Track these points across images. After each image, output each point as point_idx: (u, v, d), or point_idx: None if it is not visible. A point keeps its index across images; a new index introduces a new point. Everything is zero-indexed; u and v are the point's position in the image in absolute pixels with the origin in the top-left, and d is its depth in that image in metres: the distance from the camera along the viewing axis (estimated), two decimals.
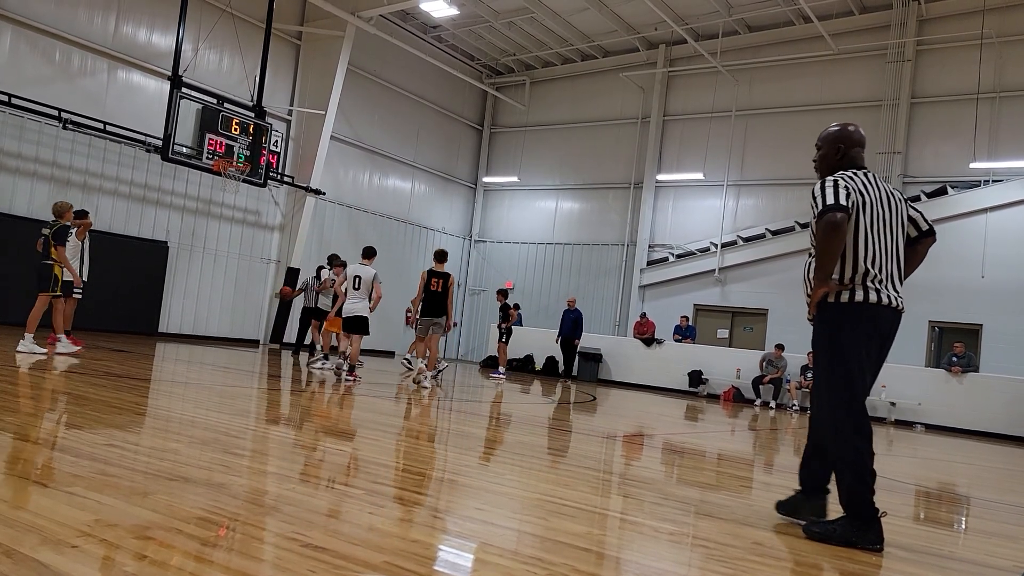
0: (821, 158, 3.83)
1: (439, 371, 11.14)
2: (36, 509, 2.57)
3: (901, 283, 3.61)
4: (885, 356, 3.67)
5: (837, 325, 3.52)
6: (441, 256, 10.61)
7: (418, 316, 10.59)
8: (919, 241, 3.75)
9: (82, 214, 10.80)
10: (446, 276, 10.46)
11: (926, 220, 3.77)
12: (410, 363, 14.27)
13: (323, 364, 11.59)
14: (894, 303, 3.52)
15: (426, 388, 10.24)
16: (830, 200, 3.41)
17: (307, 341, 14.51)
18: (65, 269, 9.63)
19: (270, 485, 3.50)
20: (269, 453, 4.46)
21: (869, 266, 3.48)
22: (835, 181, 3.51)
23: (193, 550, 2.34)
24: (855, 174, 3.60)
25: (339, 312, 10.74)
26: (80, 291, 10.68)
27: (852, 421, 3.47)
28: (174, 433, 4.78)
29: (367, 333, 10.41)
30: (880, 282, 3.49)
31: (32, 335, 9.14)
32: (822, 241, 3.39)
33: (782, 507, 3.88)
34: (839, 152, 3.74)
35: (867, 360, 3.52)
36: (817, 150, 3.86)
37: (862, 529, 3.38)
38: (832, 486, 3.67)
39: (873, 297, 3.46)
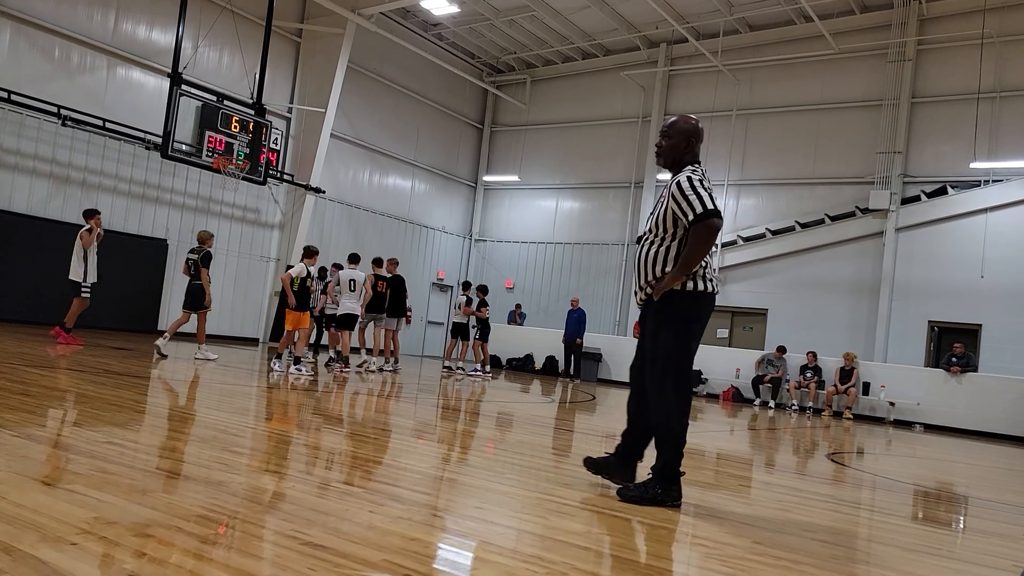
0: (670, 147, 4.00)
1: (381, 365, 12.44)
2: (35, 506, 2.57)
3: None
4: None
5: (684, 311, 3.82)
6: (380, 262, 12.39)
7: (363, 313, 12.00)
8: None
9: (92, 213, 10.90)
10: (387, 279, 12.36)
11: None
12: (462, 369, 14.68)
13: (281, 368, 10.51)
14: (718, 290, 3.91)
15: (373, 372, 11.71)
16: (709, 205, 3.68)
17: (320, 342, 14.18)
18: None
19: (269, 483, 3.50)
20: (268, 451, 4.46)
21: (707, 259, 3.85)
22: (701, 181, 3.76)
23: (192, 548, 2.34)
24: (703, 172, 3.86)
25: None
26: (88, 290, 10.73)
27: (683, 400, 3.86)
28: (173, 431, 4.78)
29: (352, 329, 11.89)
30: (711, 272, 3.88)
31: (203, 345, 10.94)
32: (701, 243, 3.68)
33: (592, 464, 4.13)
34: (688, 145, 3.96)
35: (697, 342, 3.91)
36: (665, 138, 4.02)
37: (668, 489, 3.82)
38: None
39: (710, 287, 3.84)
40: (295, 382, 8.94)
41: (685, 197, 3.71)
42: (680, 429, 3.84)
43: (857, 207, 17.93)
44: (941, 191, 17.09)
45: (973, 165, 16.50)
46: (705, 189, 3.73)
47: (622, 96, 21.79)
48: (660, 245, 3.84)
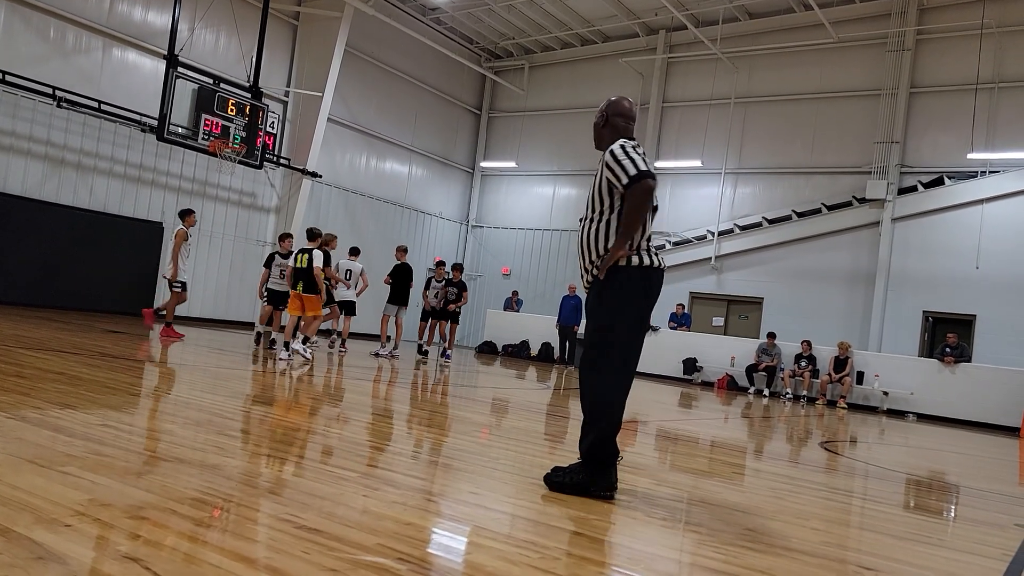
0: (594, 127, 4.02)
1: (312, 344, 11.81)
2: (30, 488, 2.58)
3: None
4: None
5: (630, 286, 3.66)
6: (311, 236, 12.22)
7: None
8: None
9: (187, 213, 11.30)
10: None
11: None
12: (426, 352, 14.02)
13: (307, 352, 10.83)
14: (663, 265, 3.77)
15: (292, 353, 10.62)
16: (641, 167, 3.58)
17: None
18: (324, 284, 10.94)
19: (264, 467, 3.51)
20: (263, 435, 4.47)
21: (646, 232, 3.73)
22: (632, 147, 3.66)
23: (187, 530, 2.35)
24: (635, 144, 3.72)
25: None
26: (179, 286, 11.13)
27: (624, 379, 3.68)
28: (168, 414, 4.78)
29: (355, 314, 12.44)
30: (652, 247, 3.75)
31: (307, 338, 10.66)
32: (637, 205, 3.57)
33: (557, 485, 3.68)
34: (606, 122, 3.91)
35: (645, 320, 3.73)
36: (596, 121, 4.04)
37: (598, 475, 3.58)
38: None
39: (656, 261, 3.71)
40: (295, 364, 8.96)
41: (618, 163, 3.62)
42: (616, 410, 3.63)
43: (854, 197, 17.93)
44: (938, 181, 17.09)
45: (970, 156, 16.50)
46: (637, 154, 3.63)
47: (620, 83, 21.67)
48: (600, 221, 3.70)
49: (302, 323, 10.21)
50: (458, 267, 14.00)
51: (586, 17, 20.85)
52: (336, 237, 11.75)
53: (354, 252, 12.91)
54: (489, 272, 23.65)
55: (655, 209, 3.88)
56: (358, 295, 12.61)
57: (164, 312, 11.31)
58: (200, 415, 4.75)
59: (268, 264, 11.56)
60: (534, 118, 23.40)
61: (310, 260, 10.10)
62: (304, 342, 9.99)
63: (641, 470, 4.65)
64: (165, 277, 11.25)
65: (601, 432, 3.58)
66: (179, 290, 11.09)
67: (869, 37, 18.11)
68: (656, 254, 3.74)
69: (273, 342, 11.49)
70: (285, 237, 11.81)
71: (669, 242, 20.45)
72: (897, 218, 17.31)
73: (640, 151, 3.70)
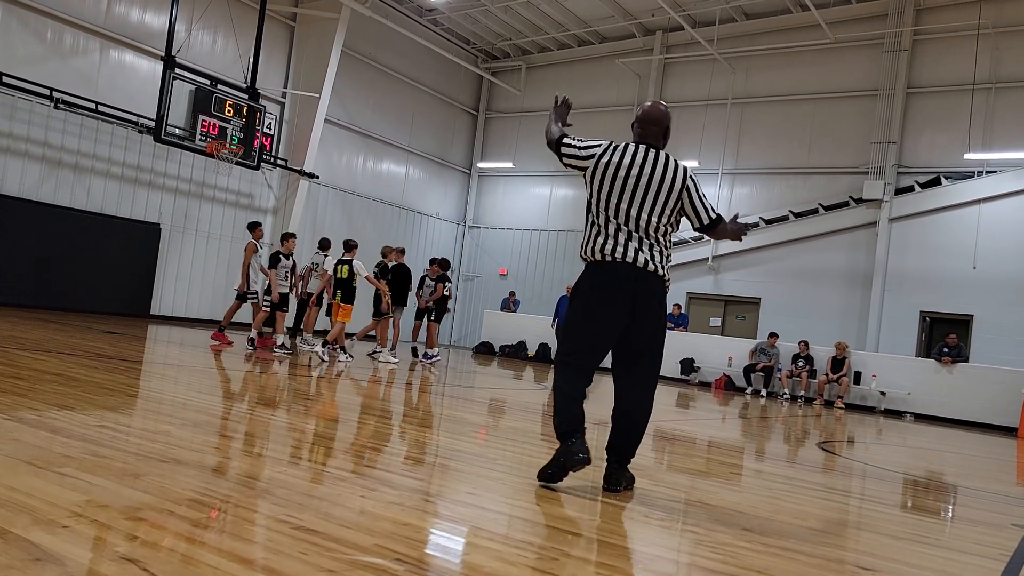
0: None
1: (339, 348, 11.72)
2: (28, 489, 2.57)
3: (658, 248, 3.81)
4: (640, 315, 3.73)
5: (580, 284, 3.86)
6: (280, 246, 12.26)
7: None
8: (705, 230, 4.07)
9: (254, 225, 11.45)
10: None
11: (698, 216, 3.99)
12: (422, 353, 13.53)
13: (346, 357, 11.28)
14: (631, 260, 3.70)
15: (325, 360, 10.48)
16: (559, 139, 4.04)
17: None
18: (383, 294, 11.76)
19: (261, 468, 3.51)
20: (260, 436, 4.46)
21: (602, 226, 3.82)
22: (592, 142, 3.95)
23: (184, 531, 2.34)
24: (625, 145, 3.90)
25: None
26: (256, 297, 11.23)
27: (568, 364, 3.77)
28: (165, 415, 4.77)
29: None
30: (612, 240, 3.75)
31: (388, 347, 11.70)
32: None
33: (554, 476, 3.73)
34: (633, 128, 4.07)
35: (593, 314, 3.74)
36: None
37: (564, 447, 3.62)
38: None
39: (597, 256, 3.77)
40: (331, 364, 9.30)
41: None
42: (565, 391, 3.72)
43: (851, 197, 17.95)
44: (935, 182, 17.12)
45: (967, 156, 16.53)
46: (585, 142, 3.98)
47: (617, 83, 21.70)
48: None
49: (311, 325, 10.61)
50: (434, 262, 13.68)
51: (583, 18, 20.86)
52: (393, 250, 12.30)
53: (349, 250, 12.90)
54: (486, 273, 23.66)
55: (706, 227, 3.98)
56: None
57: (223, 324, 11.45)
58: (198, 416, 4.74)
59: (274, 264, 11.38)
60: (531, 119, 23.38)
61: (351, 271, 10.68)
62: (323, 346, 10.37)
63: (639, 470, 4.65)
64: (235, 289, 11.37)
65: (556, 409, 3.74)
66: (266, 304, 11.18)
67: (866, 38, 18.14)
68: (598, 249, 3.78)
69: (283, 346, 11.46)
70: (288, 237, 11.74)
71: None
72: (894, 218, 17.34)
73: (620, 147, 3.88)
